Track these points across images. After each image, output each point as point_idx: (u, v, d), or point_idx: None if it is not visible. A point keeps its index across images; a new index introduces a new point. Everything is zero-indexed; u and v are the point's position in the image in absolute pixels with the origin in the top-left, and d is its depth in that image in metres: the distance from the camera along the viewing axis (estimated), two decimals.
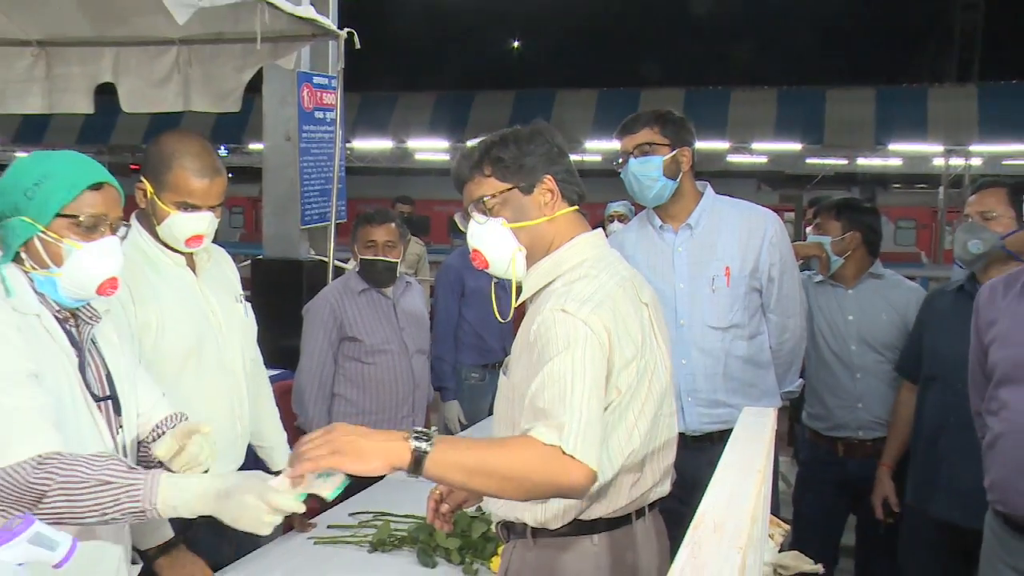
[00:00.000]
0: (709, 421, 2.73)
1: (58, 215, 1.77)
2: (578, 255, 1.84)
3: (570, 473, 1.59)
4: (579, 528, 1.82)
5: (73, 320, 1.87)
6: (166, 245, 2.34)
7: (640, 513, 1.87)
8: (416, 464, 1.54)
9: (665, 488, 1.92)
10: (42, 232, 1.77)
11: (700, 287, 2.74)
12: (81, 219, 1.79)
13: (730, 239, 2.76)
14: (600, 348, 1.69)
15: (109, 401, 1.90)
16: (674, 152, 2.70)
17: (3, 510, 1.65)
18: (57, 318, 1.83)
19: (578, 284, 1.76)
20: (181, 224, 2.28)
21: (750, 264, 2.75)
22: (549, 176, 1.85)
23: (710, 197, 2.82)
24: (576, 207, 1.90)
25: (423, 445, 1.53)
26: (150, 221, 2.33)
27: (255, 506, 1.60)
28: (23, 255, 1.79)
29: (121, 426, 1.92)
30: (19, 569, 1.41)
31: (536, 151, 1.86)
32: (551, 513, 1.81)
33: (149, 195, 2.29)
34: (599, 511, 1.81)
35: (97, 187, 1.81)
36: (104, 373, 1.91)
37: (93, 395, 1.85)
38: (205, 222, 2.31)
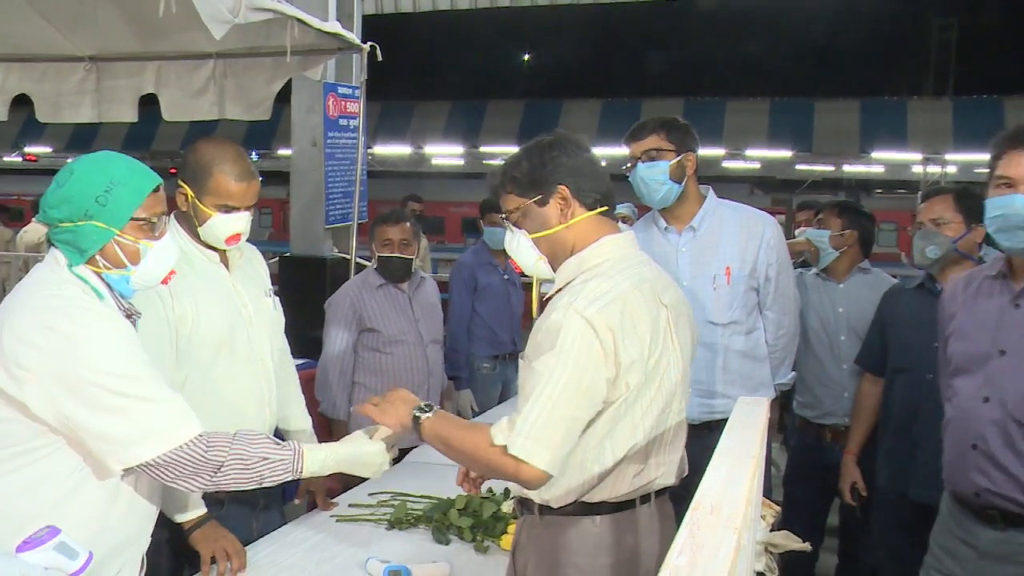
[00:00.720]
0: (708, 411, 2.70)
1: (131, 219, 1.79)
2: (601, 255, 1.82)
3: (518, 470, 1.71)
4: (583, 508, 1.81)
5: (130, 313, 1.88)
6: (202, 243, 2.34)
7: (645, 499, 1.85)
8: (415, 428, 1.87)
9: (670, 479, 1.89)
10: (118, 235, 1.78)
11: (702, 285, 2.71)
12: (153, 220, 1.82)
13: (731, 240, 2.73)
14: (598, 348, 1.69)
15: None
16: (679, 157, 2.66)
17: (182, 481, 1.78)
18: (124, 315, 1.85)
19: (592, 282, 1.75)
20: (222, 224, 2.29)
21: (749, 264, 2.72)
22: (562, 186, 1.84)
23: (712, 200, 2.79)
24: (598, 210, 1.86)
25: (420, 415, 1.87)
26: (189, 222, 2.33)
27: (381, 461, 2.02)
28: (97, 257, 1.79)
29: None
30: (45, 573, 1.44)
31: (548, 164, 1.84)
32: (554, 493, 1.80)
33: (190, 199, 2.29)
34: (602, 495, 1.80)
35: (156, 190, 1.83)
36: None
37: None
38: (243, 222, 2.32)
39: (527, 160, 1.86)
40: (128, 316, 1.86)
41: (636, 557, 1.82)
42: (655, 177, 2.67)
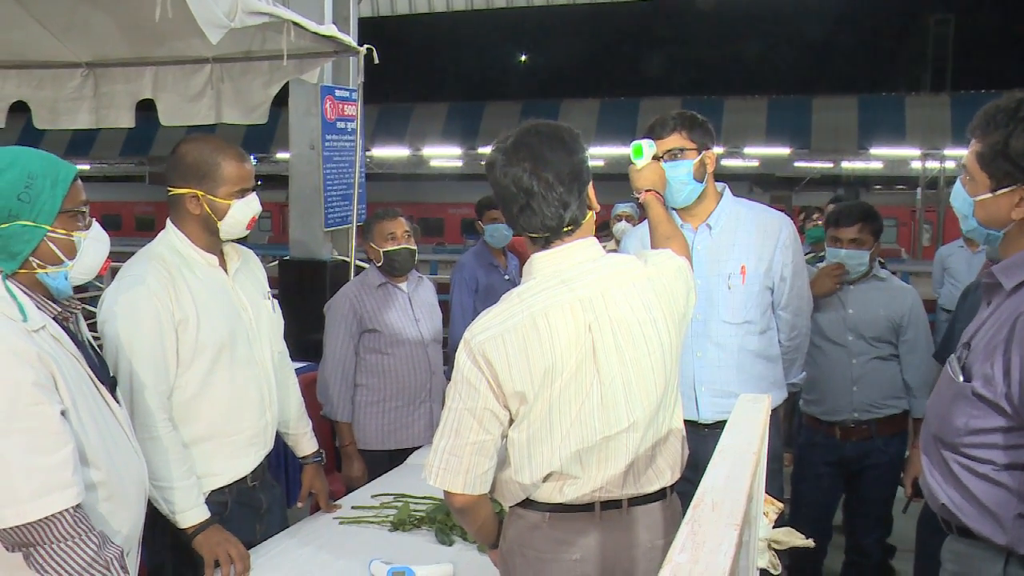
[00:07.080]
0: (721, 410, 2.63)
1: (60, 211, 1.73)
2: (528, 275, 1.85)
3: (446, 496, 1.84)
4: (532, 505, 1.85)
5: (66, 316, 1.80)
6: (202, 247, 2.33)
7: (610, 504, 1.83)
8: None
9: (614, 494, 1.83)
10: (50, 231, 1.73)
11: (717, 284, 2.65)
12: (84, 210, 1.78)
13: (746, 239, 2.67)
14: (480, 377, 1.75)
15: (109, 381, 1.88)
16: (701, 155, 2.60)
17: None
18: (57, 321, 1.77)
19: (494, 309, 1.79)
20: (243, 209, 2.31)
21: (764, 264, 2.66)
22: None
23: (729, 199, 2.73)
24: (537, 234, 1.82)
25: None
26: (193, 225, 2.31)
27: None
28: (31, 259, 1.72)
29: (118, 401, 1.89)
30: None
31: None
32: (498, 496, 1.89)
33: (202, 198, 2.28)
34: (543, 497, 1.83)
35: (75, 178, 1.78)
36: (96, 356, 1.88)
37: (102, 381, 1.83)
38: (257, 201, 2.36)
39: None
40: (65, 319, 1.79)
41: (599, 557, 1.82)
42: (679, 177, 2.58)
